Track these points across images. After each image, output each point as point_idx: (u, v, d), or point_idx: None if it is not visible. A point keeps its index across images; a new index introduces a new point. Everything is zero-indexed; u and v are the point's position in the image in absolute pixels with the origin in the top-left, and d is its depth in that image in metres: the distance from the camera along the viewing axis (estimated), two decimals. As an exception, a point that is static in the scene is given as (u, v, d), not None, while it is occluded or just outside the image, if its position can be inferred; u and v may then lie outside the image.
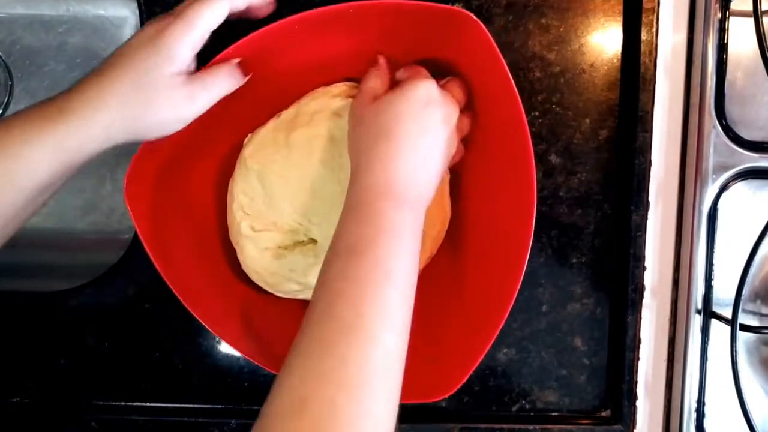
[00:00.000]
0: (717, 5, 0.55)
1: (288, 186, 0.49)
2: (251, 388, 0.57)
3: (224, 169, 0.52)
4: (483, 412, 0.58)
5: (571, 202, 0.57)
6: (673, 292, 0.58)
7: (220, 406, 0.57)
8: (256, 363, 0.50)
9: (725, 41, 0.55)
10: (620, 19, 0.56)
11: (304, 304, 0.51)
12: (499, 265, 0.48)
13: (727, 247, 0.57)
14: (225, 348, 0.57)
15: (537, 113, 0.56)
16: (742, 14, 0.55)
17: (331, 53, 0.49)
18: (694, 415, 0.57)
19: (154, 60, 0.40)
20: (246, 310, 0.52)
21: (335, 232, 0.42)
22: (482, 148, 0.50)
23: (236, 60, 0.45)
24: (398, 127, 0.43)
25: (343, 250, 0.40)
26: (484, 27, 0.44)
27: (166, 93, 0.41)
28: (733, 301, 0.55)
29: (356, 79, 0.51)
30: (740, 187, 0.57)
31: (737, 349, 0.55)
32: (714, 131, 0.56)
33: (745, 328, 0.56)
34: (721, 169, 0.56)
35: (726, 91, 0.56)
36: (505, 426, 0.57)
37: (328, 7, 0.45)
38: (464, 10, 0.44)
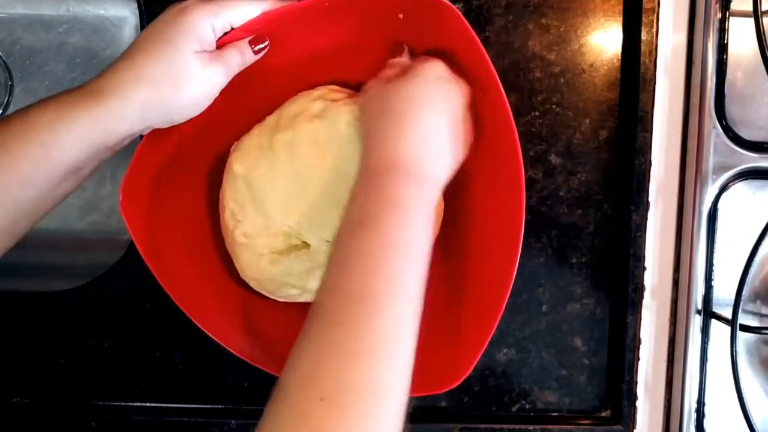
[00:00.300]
0: (717, 5, 0.55)
1: (274, 190, 0.49)
2: (251, 388, 0.57)
3: (217, 177, 0.52)
4: (483, 412, 0.58)
5: (571, 202, 0.57)
6: (673, 293, 0.58)
7: (220, 406, 0.57)
8: (257, 366, 0.50)
9: (725, 41, 0.55)
10: (620, 19, 0.56)
11: (305, 306, 0.51)
12: (495, 253, 0.48)
13: (727, 248, 0.57)
14: (225, 348, 0.57)
15: (537, 113, 0.56)
16: (742, 14, 0.55)
17: (312, 50, 0.49)
18: (694, 416, 0.57)
19: (182, 37, 0.41)
20: (246, 314, 0.52)
21: (346, 208, 0.42)
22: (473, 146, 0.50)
23: (248, 38, 0.46)
24: (404, 104, 0.43)
25: (351, 225, 0.40)
26: (460, 14, 0.45)
27: (195, 71, 0.42)
28: (733, 302, 0.54)
29: (338, 82, 0.51)
30: (740, 188, 0.57)
31: (737, 349, 0.55)
32: (714, 131, 0.56)
33: (745, 328, 0.56)
34: (721, 169, 0.56)
35: (726, 91, 0.56)
36: (505, 426, 0.57)
37: (304, 2, 0.45)
38: (445, 0, 0.45)
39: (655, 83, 0.55)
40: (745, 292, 0.55)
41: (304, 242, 0.50)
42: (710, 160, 0.56)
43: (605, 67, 0.56)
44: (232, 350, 0.49)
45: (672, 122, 0.57)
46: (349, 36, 0.49)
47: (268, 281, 0.51)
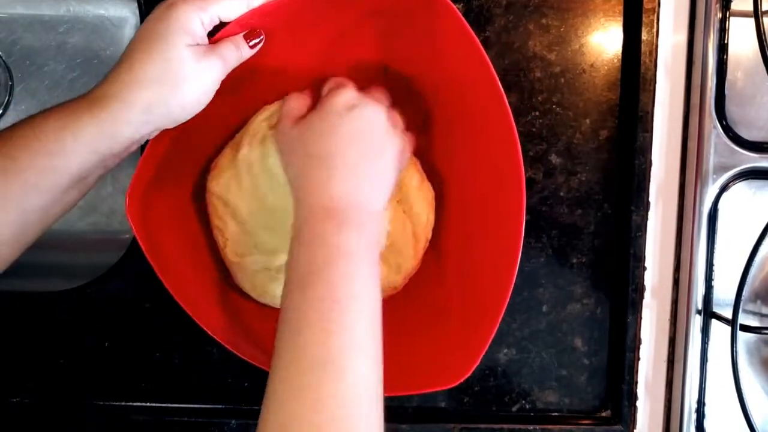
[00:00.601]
0: (717, 5, 0.55)
1: (249, 208, 0.49)
2: (251, 388, 0.57)
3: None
4: (483, 413, 0.58)
5: (571, 203, 0.57)
6: (674, 293, 0.58)
7: (220, 406, 0.57)
8: (259, 366, 0.50)
9: (726, 41, 0.55)
10: (620, 19, 0.56)
11: None
12: (496, 254, 0.48)
13: (727, 248, 0.57)
14: (225, 348, 0.57)
15: (537, 113, 0.56)
16: (743, 14, 0.55)
17: (306, 45, 0.49)
18: (694, 416, 0.57)
19: (173, 33, 0.41)
20: (248, 315, 0.52)
21: (287, 262, 0.41)
22: (466, 136, 0.50)
23: (243, 32, 0.45)
24: (324, 144, 0.43)
25: (297, 281, 0.40)
26: (457, 10, 0.45)
27: (191, 64, 0.42)
28: (733, 302, 0.54)
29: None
30: (740, 188, 0.57)
31: (737, 349, 0.55)
32: (714, 131, 0.56)
33: (746, 328, 0.56)
34: (721, 169, 0.56)
35: (726, 91, 0.56)
36: (505, 426, 0.57)
37: None
38: None
39: (655, 83, 0.55)
40: (745, 292, 0.55)
41: None
42: (710, 160, 0.56)
43: (605, 67, 0.56)
44: (234, 351, 0.49)
45: (672, 122, 0.57)
46: (343, 31, 0.49)
47: (269, 296, 0.51)
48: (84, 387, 0.57)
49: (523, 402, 0.58)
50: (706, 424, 0.57)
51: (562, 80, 0.56)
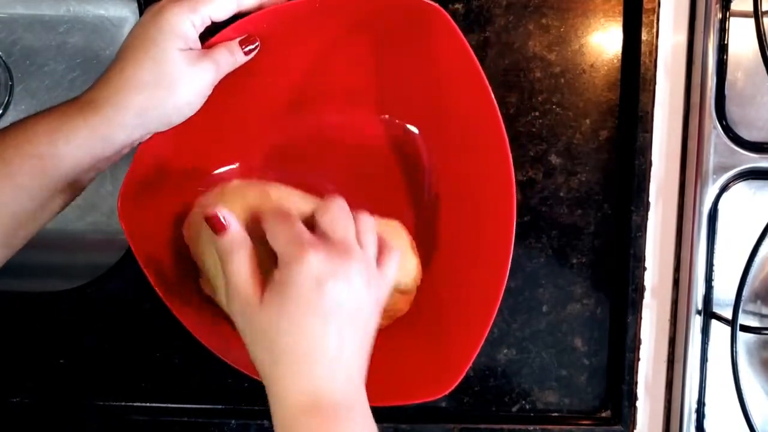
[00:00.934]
0: (717, 6, 0.55)
1: (213, 262, 0.45)
2: (251, 388, 0.57)
3: (215, 182, 0.52)
4: (483, 413, 0.58)
5: (571, 203, 0.57)
6: (674, 293, 0.58)
7: (220, 406, 0.57)
8: (252, 377, 0.50)
9: (726, 42, 0.55)
10: (620, 19, 0.56)
11: None
12: (486, 259, 0.49)
13: (727, 248, 0.57)
14: (225, 348, 0.57)
15: (537, 113, 0.56)
16: (743, 15, 0.55)
17: (301, 51, 0.49)
18: (694, 416, 0.57)
19: (164, 37, 0.41)
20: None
21: None
22: (459, 147, 0.51)
23: (239, 38, 0.45)
24: (295, 332, 0.38)
25: None
26: (450, 19, 0.45)
27: (184, 69, 0.41)
28: (733, 302, 0.54)
29: (326, 84, 0.51)
30: (741, 188, 0.57)
31: (737, 349, 0.55)
32: (714, 132, 0.56)
33: (746, 328, 0.56)
34: (721, 169, 0.56)
35: (726, 91, 0.56)
36: (505, 426, 0.57)
37: (295, 2, 0.45)
38: (432, 3, 0.44)
39: (655, 83, 0.55)
40: (745, 293, 0.55)
41: None
42: (710, 161, 0.56)
43: (605, 68, 0.56)
44: (223, 358, 0.49)
45: (672, 122, 0.57)
46: (337, 38, 0.49)
47: None
48: (84, 387, 0.57)
49: (523, 402, 0.58)
50: (706, 424, 0.57)
51: (562, 80, 0.56)
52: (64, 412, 0.56)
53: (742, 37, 0.56)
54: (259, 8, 0.45)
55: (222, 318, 0.50)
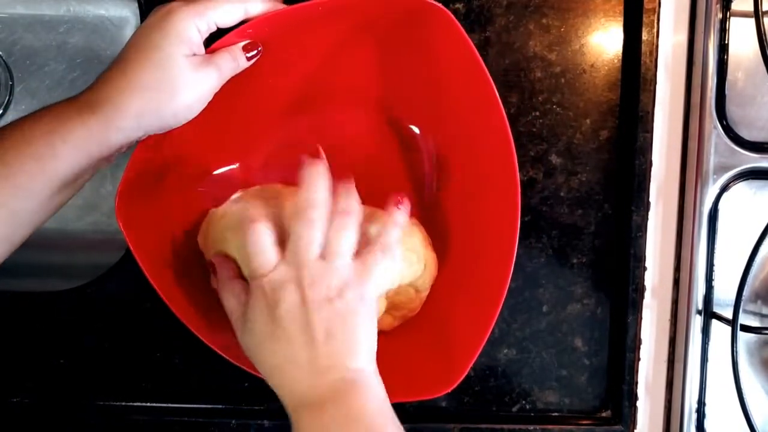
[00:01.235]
0: (718, 6, 0.55)
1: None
2: (251, 388, 0.57)
3: (213, 182, 0.52)
4: (483, 413, 0.58)
5: (571, 203, 0.57)
6: (674, 293, 0.58)
7: (220, 406, 0.57)
8: (253, 374, 0.50)
9: (726, 42, 0.55)
10: (621, 19, 0.56)
11: None
12: (490, 259, 0.49)
13: (727, 248, 0.57)
14: (225, 348, 0.57)
15: (537, 113, 0.56)
16: (743, 14, 0.55)
17: (303, 54, 0.49)
18: (694, 416, 0.57)
19: (170, 42, 0.41)
20: None
21: None
22: (462, 147, 0.51)
23: (241, 43, 0.45)
24: (266, 355, 0.41)
25: None
26: (454, 18, 0.45)
27: (186, 74, 0.41)
28: (733, 302, 0.54)
29: (327, 85, 0.51)
30: (741, 188, 0.57)
31: (738, 349, 0.55)
32: (715, 132, 0.56)
33: (746, 328, 0.56)
34: (721, 169, 0.56)
35: (727, 91, 0.56)
36: (505, 426, 0.57)
37: (297, 5, 0.45)
38: (434, 2, 0.44)
39: (655, 83, 0.55)
40: (745, 293, 0.55)
41: None
42: (711, 161, 0.56)
43: (606, 68, 0.56)
44: (224, 355, 0.49)
45: (673, 122, 0.57)
46: (341, 41, 0.49)
47: None
48: (84, 387, 0.57)
49: (524, 402, 0.58)
50: (707, 424, 0.57)
51: (563, 80, 0.56)
52: (64, 412, 0.56)
53: (742, 37, 0.56)
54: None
55: (225, 315, 0.50)
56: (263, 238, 0.41)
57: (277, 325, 0.40)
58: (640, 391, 0.57)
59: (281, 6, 0.45)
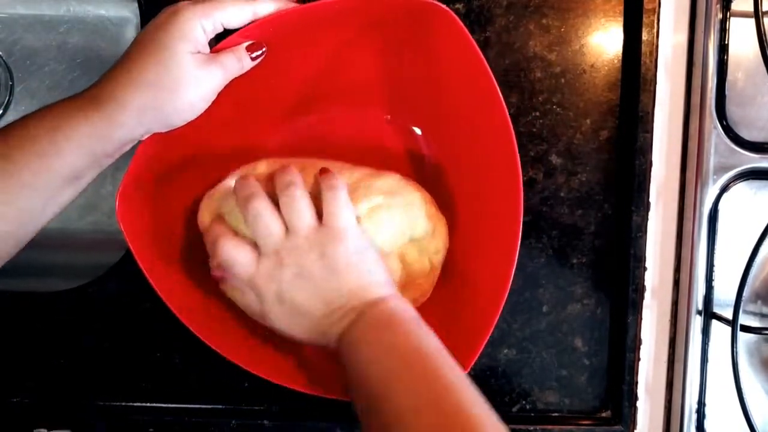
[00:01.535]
0: (718, 6, 0.55)
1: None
2: (251, 388, 0.57)
3: (214, 182, 0.52)
4: (483, 413, 0.58)
5: (571, 203, 0.57)
6: (674, 293, 0.58)
7: (220, 406, 0.57)
8: (256, 374, 0.50)
9: (726, 42, 0.55)
10: (621, 19, 0.56)
11: None
12: (492, 257, 0.49)
13: (727, 248, 0.57)
14: (225, 348, 0.57)
15: (537, 113, 0.56)
16: (743, 15, 0.55)
17: (309, 55, 0.49)
18: (694, 416, 0.57)
19: (175, 40, 0.41)
20: (242, 321, 0.52)
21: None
22: (464, 147, 0.51)
23: (246, 43, 0.45)
24: (280, 316, 0.45)
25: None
26: (458, 19, 0.45)
27: (191, 73, 0.42)
28: (733, 302, 0.54)
29: (334, 87, 0.51)
30: (741, 188, 0.57)
31: (738, 349, 0.55)
32: (715, 132, 0.56)
33: (746, 329, 0.56)
34: (721, 169, 0.56)
35: (727, 91, 0.56)
36: (505, 426, 0.57)
37: (302, 6, 0.45)
38: (439, 3, 0.44)
39: (655, 84, 0.55)
40: (745, 293, 0.55)
41: None
42: (711, 161, 0.56)
43: (606, 68, 0.56)
44: (225, 355, 0.49)
45: (673, 123, 0.57)
46: (345, 41, 0.49)
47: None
48: (84, 387, 0.57)
49: (524, 402, 0.58)
50: (707, 424, 0.57)
51: (563, 80, 0.56)
52: (64, 412, 0.56)
53: (742, 37, 0.56)
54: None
55: (226, 311, 0.50)
56: (232, 251, 0.44)
57: (290, 305, 0.44)
58: (640, 391, 0.57)
59: (291, 5, 0.45)
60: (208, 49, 0.44)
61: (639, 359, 0.57)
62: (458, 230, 0.52)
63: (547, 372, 0.58)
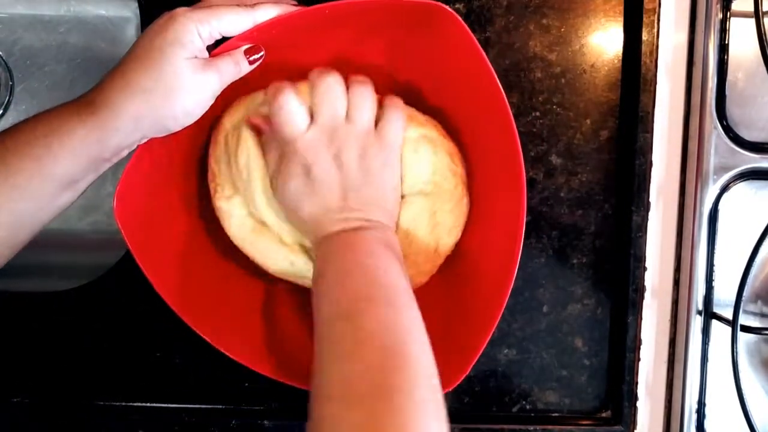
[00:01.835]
0: (718, 6, 0.55)
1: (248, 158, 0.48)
2: (251, 388, 0.57)
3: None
4: (483, 413, 0.58)
5: (571, 203, 0.57)
6: (674, 293, 0.58)
7: (220, 406, 0.57)
8: (257, 371, 0.50)
9: (726, 42, 0.55)
10: (621, 19, 0.56)
11: (308, 315, 0.50)
12: (494, 256, 0.49)
13: (727, 248, 0.57)
14: (225, 348, 0.57)
15: (538, 114, 0.56)
16: (743, 15, 0.55)
17: (310, 59, 0.49)
18: (694, 416, 0.57)
19: (171, 46, 0.41)
20: (244, 318, 0.52)
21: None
22: (466, 147, 0.51)
23: (244, 47, 0.45)
24: (302, 201, 0.46)
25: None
26: (461, 19, 0.44)
27: (187, 78, 0.41)
28: (733, 302, 0.54)
29: None
30: (741, 188, 0.57)
31: (738, 349, 0.55)
32: (715, 132, 0.56)
33: (746, 329, 0.56)
34: (721, 169, 0.56)
35: (727, 91, 0.56)
36: (505, 426, 0.57)
37: (304, 9, 0.45)
38: (442, 4, 0.44)
39: (656, 84, 0.55)
40: (745, 293, 0.55)
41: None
42: (711, 161, 0.56)
43: (606, 68, 0.56)
44: (226, 353, 0.49)
45: (673, 123, 0.57)
46: (349, 44, 0.49)
47: (256, 250, 0.50)
48: (84, 387, 0.57)
49: (524, 402, 0.58)
50: (707, 424, 0.57)
51: (563, 80, 0.56)
52: (64, 412, 0.56)
53: (742, 37, 0.56)
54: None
55: (226, 307, 0.50)
56: (292, 103, 0.45)
57: (313, 180, 0.45)
58: (640, 391, 0.57)
59: (291, 9, 0.45)
60: (206, 54, 0.43)
61: (639, 359, 0.57)
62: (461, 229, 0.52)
63: (547, 372, 0.58)
